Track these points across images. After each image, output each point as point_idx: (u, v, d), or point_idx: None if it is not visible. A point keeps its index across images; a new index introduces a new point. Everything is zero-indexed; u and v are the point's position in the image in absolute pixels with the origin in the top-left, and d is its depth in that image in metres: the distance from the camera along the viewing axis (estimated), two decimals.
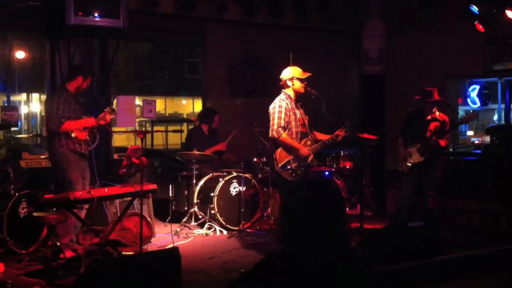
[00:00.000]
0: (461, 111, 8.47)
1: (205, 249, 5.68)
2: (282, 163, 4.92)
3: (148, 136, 8.42)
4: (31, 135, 11.73)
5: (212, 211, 6.39)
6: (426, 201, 5.95)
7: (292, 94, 5.08)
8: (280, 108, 4.96)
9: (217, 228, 6.37)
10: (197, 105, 22.70)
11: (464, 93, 9.11)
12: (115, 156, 6.87)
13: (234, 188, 6.59)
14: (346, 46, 9.05)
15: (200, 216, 6.49)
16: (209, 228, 6.37)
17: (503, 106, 9.78)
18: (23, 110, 16.96)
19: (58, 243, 5.03)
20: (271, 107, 5.05)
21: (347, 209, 7.31)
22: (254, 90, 8.49)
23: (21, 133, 13.84)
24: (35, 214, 4.86)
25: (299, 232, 1.83)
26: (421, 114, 5.90)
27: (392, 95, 8.57)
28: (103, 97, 6.79)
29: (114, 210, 5.86)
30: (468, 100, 9.16)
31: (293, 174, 4.93)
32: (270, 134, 4.98)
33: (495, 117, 11.07)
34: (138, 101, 12.94)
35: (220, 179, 6.50)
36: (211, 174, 6.72)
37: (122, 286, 3.05)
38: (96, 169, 5.56)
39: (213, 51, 8.25)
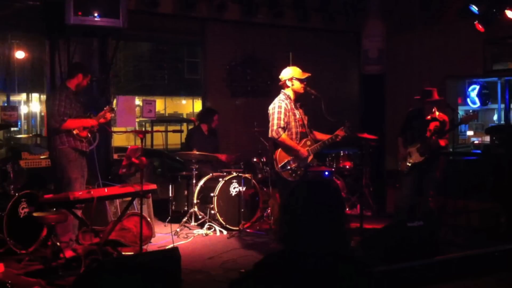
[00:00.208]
0: (461, 111, 8.47)
1: (205, 249, 5.68)
2: (282, 164, 4.93)
3: (148, 136, 8.43)
4: (30, 135, 11.74)
5: (212, 211, 6.39)
6: (426, 201, 5.95)
7: (291, 94, 5.08)
8: (280, 108, 4.96)
9: (217, 228, 6.37)
10: (197, 105, 22.70)
11: (464, 93, 9.11)
12: (115, 156, 6.88)
13: (234, 188, 6.59)
14: (346, 46, 9.05)
15: (200, 216, 6.49)
16: (209, 228, 6.37)
17: (502, 106, 9.79)
18: (23, 110, 16.96)
19: (58, 243, 5.03)
20: (270, 107, 5.05)
21: (347, 209, 7.32)
22: (254, 90, 8.49)
23: (21, 133, 13.85)
24: (35, 214, 4.86)
25: (299, 232, 1.83)
26: (421, 114, 5.91)
27: (392, 95, 8.57)
28: (102, 97, 6.80)
29: (114, 210, 5.86)
30: (468, 100, 9.16)
31: (293, 174, 4.93)
32: (270, 135, 4.99)
33: (495, 117, 11.08)
34: (138, 101, 12.95)
35: (220, 179, 6.50)
36: (211, 174, 6.72)
37: (122, 286, 3.05)
38: (98, 169, 5.57)
39: (213, 51, 8.25)
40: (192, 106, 24.86)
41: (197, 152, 6.63)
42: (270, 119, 4.99)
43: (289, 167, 4.91)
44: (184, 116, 24.25)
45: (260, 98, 8.13)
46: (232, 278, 1.99)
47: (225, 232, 6.31)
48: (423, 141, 5.78)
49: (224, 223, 6.37)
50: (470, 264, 4.55)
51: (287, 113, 4.97)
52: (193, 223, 6.54)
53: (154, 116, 8.23)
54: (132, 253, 5.31)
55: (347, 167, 7.39)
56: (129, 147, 6.60)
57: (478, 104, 9.17)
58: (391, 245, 4.51)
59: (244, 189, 6.56)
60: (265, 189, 6.88)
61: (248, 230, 6.41)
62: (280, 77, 5.16)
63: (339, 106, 7.33)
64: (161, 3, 7.05)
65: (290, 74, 5.07)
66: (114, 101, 7.15)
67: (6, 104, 14.24)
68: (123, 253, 5.20)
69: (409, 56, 8.46)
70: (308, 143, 5.07)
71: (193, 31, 8.32)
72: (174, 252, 3.49)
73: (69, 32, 6.37)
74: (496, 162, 6.46)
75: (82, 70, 5.51)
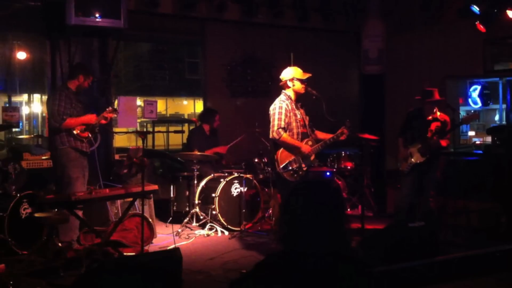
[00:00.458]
0: (462, 112, 8.45)
1: (206, 249, 5.69)
2: (283, 164, 4.93)
3: (149, 136, 8.43)
4: (32, 135, 11.74)
5: (213, 212, 6.40)
6: (426, 201, 5.96)
7: (292, 94, 5.08)
8: (280, 109, 4.96)
9: (219, 228, 6.38)
10: (198, 106, 22.69)
11: (465, 93, 9.10)
12: (116, 156, 6.89)
13: (235, 188, 6.59)
14: (346, 46, 9.05)
15: (201, 217, 6.49)
16: (210, 229, 6.38)
17: (504, 106, 9.77)
18: (24, 110, 16.95)
19: (59, 244, 5.04)
20: (271, 108, 5.05)
21: (348, 209, 7.32)
22: (254, 90, 8.49)
23: (22, 134, 13.85)
24: (36, 214, 4.87)
25: (299, 232, 1.84)
26: (421, 114, 5.91)
27: (392, 95, 8.57)
28: (103, 97, 6.81)
29: (116, 211, 5.87)
30: (469, 100, 9.15)
31: (295, 175, 4.93)
32: (271, 136, 4.99)
33: (496, 117, 11.06)
34: (139, 101, 12.95)
35: (221, 180, 6.51)
36: (212, 175, 6.73)
37: (122, 286, 3.06)
38: (99, 170, 5.58)
39: (213, 51, 8.25)
40: (193, 106, 24.84)
41: (198, 153, 6.63)
42: (271, 120, 5.00)
43: (290, 168, 4.91)
44: (186, 116, 24.23)
45: (260, 98, 8.14)
46: (233, 279, 2.00)
47: (226, 233, 6.32)
48: (424, 141, 5.78)
49: (225, 224, 6.38)
50: (470, 264, 4.56)
51: (288, 114, 4.97)
52: (194, 224, 6.54)
53: (155, 117, 8.24)
54: (133, 253, 5.31)
55: (348, 167, 7.40)
56: (131, 147, 6.61)
57: (480, 104, 9.16)
58: (391, 245, 4.51)
59: (245, 189, 6.56)
60: (266, 189, 6.89)
61: (249, 231, 6.42)
62: (280, 77, 5.16)
63: (339, 106, 7.34)
64: (161, 3, 7.06)
65: (291, 74, 5.07)
66: (116, 102, 7.16)
67: (7, 105, 14.23)
68: (124, 253, 5.21)
69: (409, 56, 8.45)
70: (310, 143, 5.07)
71: (193, 31, 8.33)
72: (175, 252, 3.50)
73: (70, 33, 6.38)
74: (496, 162, 6.46)
75: (83, 71, 5.53)
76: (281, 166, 4.93)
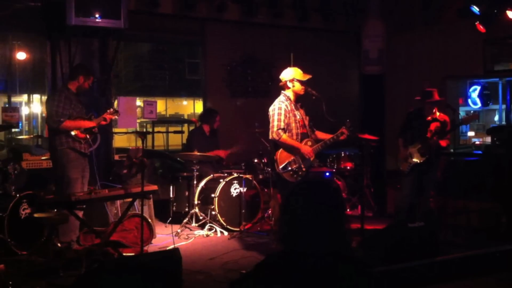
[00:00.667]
0: (462, 112, 8.45)
1: (205, 250, 5.69)
2: (283, 165, 4.92)
3: (149, 137, 8.43)
4: (32, 136, 11.73)
5: (213, 212, 6.39)
6: (427, 201, 5.96)
7: (291, 95, 5.08)
8: (280, 110, 4.96)
9: (218, 229, 6.37)
10: (198, 106, 22.68)
11: (465, 93, 9.10)
12: (116, 157, 6.88)
13: (235, 189, 6.59)
14: (346, 46, 9.05)
15: (201, 217, 6.49)
16: (210, 229, 6.38)
17: (504, 106, 9.77)
18: (24, 111, 16.95)
19: (58, 244, 5.04)
20: (270, 109, 5.05)
21: (348, 209, 7.32)
22: (254, 90, 8.49)
23: (22, 134, 13.84)
24: (36, 215, 4.86)
25: (299, 232, 1.84)
26: (421, 115, 5.91)
27: (392, 95, 8.57)
28: (103, 98, 6.81)
29: (115, 211, 5.86)
30: (469, 100, 9.15)
31: (294, 175, 4.93)
32: (270, 137, 4.99)
33: (496, 118, 11.05)
34: (139, 102, 12.95)
35: (221, 180, 6.51)
36: (211, 175, 6.73)
37: (122, 286, 3.06)
38: (97, 170, 5.58)
39: (213, 51, 8.25)
40: (193, 107, 24.84)
41: (198, 153, 6.63)
42: (270, 120, 4.99)
43: (290, 168, 4.91)
44: (185, 117, 24.23)
45: (260, 98, 8.14)
46: (233, 279, 2.00)
47: (226, 233, 6.32)
48: (423, 141, 5.78)
49: (225, 224, 6.37)
50: (470, 264, 4.55)
51: (287, 114, 4.97)
52: (194, 224, 6.54)
53: (155, 117, 8.24)
54: (133, 254, 5.31)
55: (348, 167, 7.40)
56: (130, 148, 6.61)
57: (479, 104, 9.15)
58: (391, 245, 4.51)
59: (245, 190, 6.56)
60: (266, 190, 6.89)
61: (249, 231, 6.41)
62: (280, 77, 5.15)
63: (339, 106, 7.33)
64: (161, 3, 7.06)
65: (291, 75, 5.07)
66: (115, 102, 7.16)
67: (7, 105, 14.23)
68: (124, 254, 5.21)
69: (409, 56, 8.45)
70: (309, 143, 5.07)
71: (193, 31, 8.33)
72: (174, 252, 3.50)
73: (70, 33, 6.37)
74: (496, 163, 6.46)
75: (83, 72, 5.52)
76: (281, 167, 4.92)
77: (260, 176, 6.89)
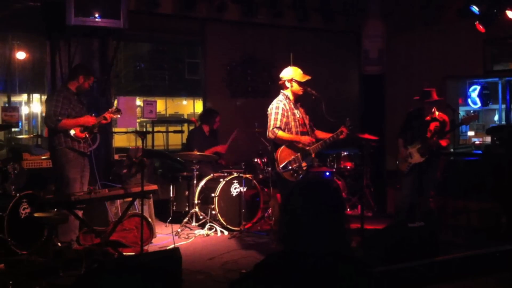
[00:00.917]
0: (462, 112, 8.46)
1: (205, 249, 5.69)
2: (283, 164, 4.92)
3: (149, 136, 8.43)
4: (31, 135, 11.73)
5: (213, 212, 6.39)
6: (426, 201, 5.96)
7: (290, 95, 5.09)
8: (277, 109, 4.97)
9: (218, 228, 6.37)
10: (198, 106, 22.68)
11: (464, 93, 9.10)
12: (116, 156, 6.89)
13: (235, 188, 6.59)
14: (346, 46, 9.05)
15: (201, 217, 6.49)
16: (210, 229, 6.38)
17: (503, 106, 9.77)
18: (24, 110, 16.95)
19: (58, 244, 5.03)
20: (268, 108, 5.06)
21: (348, 209, 7.32)
22: (254, 90, 8.49)
23: (21, 134, 13.85)
24: (36, 214, 4.86)
25: (299, 232, 1.84)
26: (420, 115, 5.91)
27: (392, 95, 8.57)
28: (103, 98, 6.81)
29: (115, 211, 5.86)
30: (469, 100, 9.15)
31: (294, 175, 4.93)
32: (268, 136, 5.01)
33: (496, 118, 11.06)
34: (138, 101, 12.95)
35: (221, 180, 6.51)
36: (211, 175, 6.73)
37: (122, 286, 3.06)
38: (96, 170, 5.58)
39: (213, 51, 8.26)
40: (193, 106, 24.85)
41: (198, 153, 6.63)
42: (268, 120, 5.01)
43: (290, 167, 4.91)
44: (185, 116, 24.24)
45: (260, 98, 8.14)
46: (233, 279, 2.00)
47: (226, 233, 6.32)
48: (423, 141, 5.78)
49: (225, 224, 6.38)
50: (470, 264, 4.55)
51: (285, 113, 4.98)
52: (194, 224, 6.54)
53: (155, 117, 8.24)
54: (133, 253, 5.31)
55: (348, 167, 7.40)
56: (130, 147, 6.60)
57: (479, 104, 9.16)
58: (391, 245, 4.51)
59: (245, 189, 6.56)
60: (266, 189, 6.89)
61: (249, 231, 6.41)
62: (280, 76, 5.16)
63: (339, 106, 7.34)
64: (161, 3, 7.06)
65: (290, 75, 5.07)
66: (115, 102, 7.15)
67: (7, 105, 14.23)
68: (124, 253, 5.21)
69: (409, 56, 8.45)
70: None
71: (193, 31, 8.32)
72: (175, 252, 3.50)
73: (70, 33, 6.37)
74: (496, 162, 6.46)
75: (83, 72, 5.52)
76: (281, 166, 4.92)
77: (260, 176, 6.89)
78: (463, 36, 7.66)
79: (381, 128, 8.09)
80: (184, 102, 26.02)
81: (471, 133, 10.16)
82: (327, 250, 1.81)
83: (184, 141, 8.35)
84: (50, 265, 4.73)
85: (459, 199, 6.44)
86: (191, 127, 10.55)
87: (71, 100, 5.38)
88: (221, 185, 6.44)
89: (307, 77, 5.06)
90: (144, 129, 15.17)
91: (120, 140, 12.37)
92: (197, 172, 6.64)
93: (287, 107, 5.01)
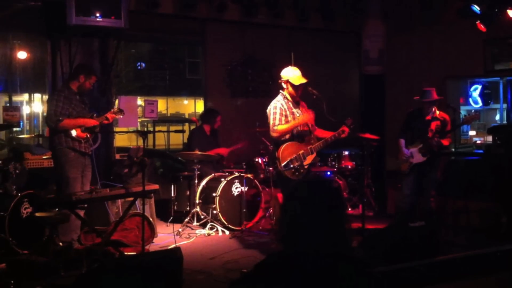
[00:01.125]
0: (463, 111, 8.46)
1: (206, 249, 5.69)
2: (285, 162, 4.93)
3: (150, 136, 8.44)
4: (33, 135, 11.75)
5: (214, 211, 6.40)
6: (427, 201, 5.96)
7: (287, 95, 5.10)
8: (275, 109, 5.00)
9: (219, 228, 6.38)
10: (199, 105, 22.71)
11: (465, 93, 9.11)
12: (117, 156, 6.89)
13: (236, 188, 6.60)
14: (346, 46, 9.05)
15: (202, 216, 6.50)
16: (211, 228, 6.38)
17: (504, 105, 9.78)
18: (25, 110, 16.98)
19: (59, 243, 5.04)
20: (267, 110, 5.08)
21: (349, 209, 7.33)
22: (254, 90, 8.49)
23: (23, 134, 13.89)
24: (37, 214, 4.87)
25: (299, 232, 1.84)
26: (421, 114, 5.91)
27: (392, 95, 8.57)
28: (104, 98, 6.81)
29: (116, 210, 5.87)
30: (470, 100, 9.16)
31: (296, 173, 4.94)
32: (272, 136, 5.04)
33: (497, 117, 11.06)
34: (139, 101, 12.96)
35: (222, 179, 6.52)
36: (213, 174, 6.73)
37: (123, 286, 3.06)
38: (97, 170, 5.59)
39: (213, 51, 8.26)
40: (194, 106, 24.87)
41: (199, 152, 6.64)
42: (268, 120, 5.02)
43: (292, 166, 4.92)
44: (186, 116, 24.27)
45: (260, 98, 8.14)
46: (233, 279, 2.00)
47: (227, 232, 6.33)
48: (424, 141, 5.78)
49: (226, 223, 6.38)
50: (471, 264, 4.55)
51: (284, 113, 5.00)
52: (195, 223, 6.55)
53: (156, 116, 8.25)
54: (134, 253, 5.32)
55: (349, 167, 7.41)
56: (131, 147, 6.61)
57: (480, 104, 9.16)
58: (391, 245, 4.51)
59: (246, 189, 6.57)
60: (267, 189, 6.89)
61: (250, 231, 6.42)
62: (280, 74, 5.17)
63: (339, 106, 7.35)
64: (162, 3, 7.06)
65: (286, 76, 5.08)
66: (116, 102, 7.16)
67: (8, 105, 14.25)
68: (125, 253, 5.21)
69: (409, 56, 8.45)
70: (311, 141, 5.08)
71: (193, 31, 8.33)
72: (176, 252, 3.50)
73: (70, 33, 6.37)
74: (497, 162, 6.46)
75: (84, 72, 5.52)
76: (283, 164, 4.93)
77: (261, 175, 6.90)
78: (463, 36, 7.65)
79: (382, 128, 8.09)
80: (185, 102, 26.04)
81: (472, 133, 10.17)
82: (328, 250, 1.81)
83: (185, 140, 8.35)
84: (51, 264, 4.74)
85: (459, 199, 6.43)
86: (192, 127, 10.56)
87: (72, 100, 5.39)
88: (222, 184, 6.45)
89: (303, 81, 5.04)
90: (145, 129, 15.19)
91: (121, 140, 12.39)
92: (198, 172, 6.64)
93: (285, 106, 5.03)
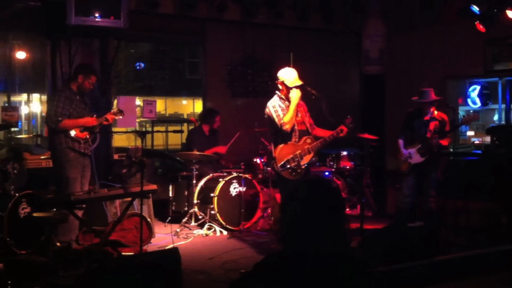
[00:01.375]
0: (462, 111, 8.46)
1: (205, 249, 5.69)
2: (282, 162, 4.92)
3: (149, 136, 8.44)
4: (31, 135, 11.75)
5: (212, 212, 6.39)
6: (427, 201, 5.95)
7: (282, 96, 5.10)
8: (274, 107, 5.03)
9: (217, 228, 6.37)
10: (198, 106, 22.72)
11: (464, 93, 9.10)
12: (115, 156, 6.88)
13: (234, 188, 6.59)
14: (346, 46, 9.05)
15: (200, 217, 6.49)
16: (209, 229, 6.37)
17: (503, 106, 9.77)
18: (24, 110, 16.96)
19: (58, 244, 5.03)
20: (266, 111, 5.08)
21: (348, 209, 7.32)
22: (254, 90, 8.49)
23: (21, 134, 13.86)
24: (35, 214, 4.86)
25: (299, 232, 1.83)
26: (420, 115, 5.91)
27: (392, 95, 8.57)
28: (103, 97, 6.81)
29: (114, 211, 5.86)
30: (469, 100, 9.15)
31: (293, 173, 4.93)
32: (284, 130, 4.94)
33: (496, 117, 11.06)
34: (138, 101, 12.95)
35: (220, 180, 6.51)
36: (211, 175, 6.73)
37: (122, 286, 3.05)
38: (96, 170, 5.58)
39: (213, 51, 8.25)
40: (192, 106, 24.88)
41: (198, 153, 6.63)
42: (272, 120, 5.00)
43: (288, 166, 4.91)
44: (185, 116, 24.26)
45: (260, 98, 8.12)
46: (233, 279, 1.99)
47: (225, 233, 6.32)
48: (423, 141, 5.78)
49: (224, 224, 6.37)
50: (471, 264, 4.55)
51: (283, 112, 4.99)
52: (193, 224, 6.54)
53: (155, 117, 8.24)
54: (132, 253, 5.31)
55: (348, 167, 7.40)
56: (130, 147, 6.60)
57: (479, 104, 9.15)
58: (391, 245, 4.50)
59: (244, 189, 6.56)
60: (265, 189, 6.89)
61: (248, 231, 6.41)
62: (277, 75, 5.17)
63: (339, 106, 7.33)
64: (161, 3, 7.06)
65: (282, 77, 5.07)
66: (115, 102, 7.15)
67: (7, 105, 14.23)
68: (123, 253, 5.21)
69: (409, 56, 8.45)
70: (308, 140, 5.07)
71: (193, 31, 8.32)
72: (174, 252, 3.49)
73: (70, 33, 6.37)
74: (496, 162, 6.46)
75: (83, 72, 5.51)
76: (279, 165, 4.92)
77: (260, 176, 6.89)
78: (463, 36, 7.65)
79: (381, 128, 8.09)
80: (184, 102, 26.04)
81: (470, 133, 10.17)
82: (327, 250, 1.80)
83: (184, 140, 8.34)
84: (50, 265, 4.73)
85: (459, 199, 6.43)
86: (191, 127, 10.55)
87: (73, 100, 5.38)
88: (220, 185, 6.44)
89: (298, 83, 5.03)
90: (144, 129, 15.18)
91: (119, 140, 12.38)
92: (196, 172, 6.63)
93: (283, 106, 5.03)
